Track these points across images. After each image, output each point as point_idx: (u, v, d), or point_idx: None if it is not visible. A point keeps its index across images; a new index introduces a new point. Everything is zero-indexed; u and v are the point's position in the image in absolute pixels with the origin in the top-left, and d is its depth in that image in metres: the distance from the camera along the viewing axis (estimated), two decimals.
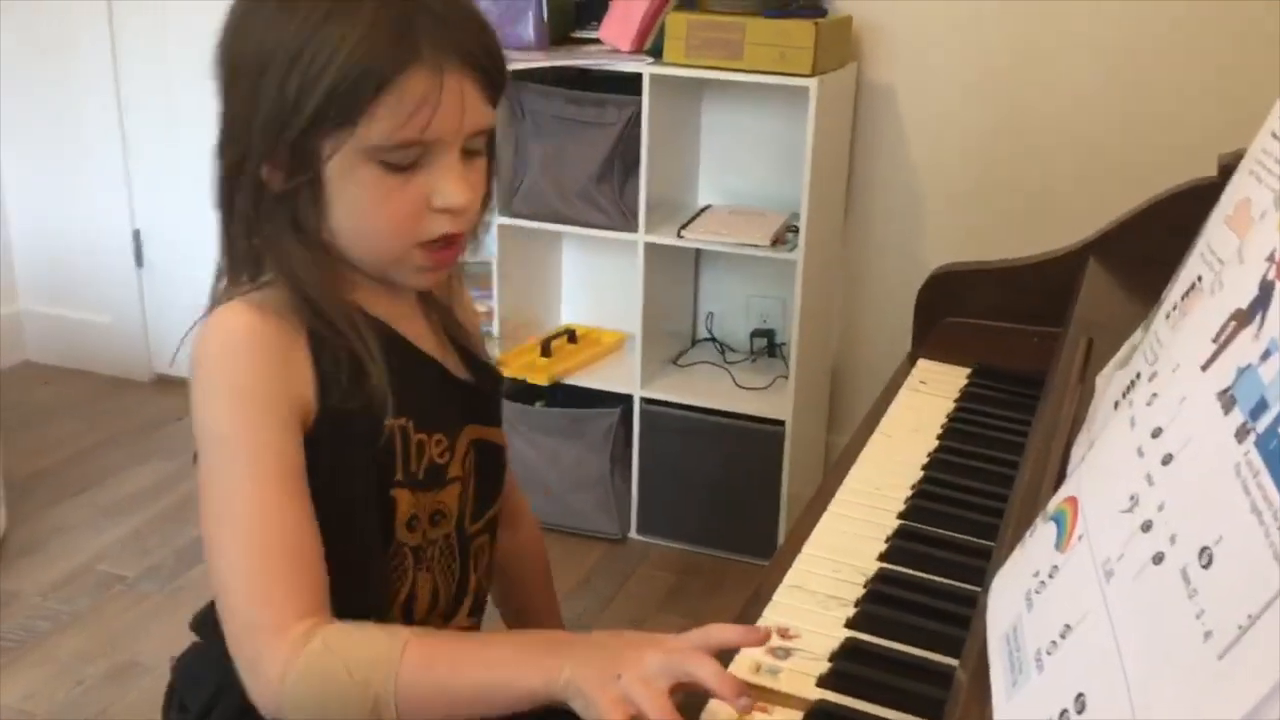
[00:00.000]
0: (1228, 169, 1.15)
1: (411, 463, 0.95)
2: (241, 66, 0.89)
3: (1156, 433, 0.66)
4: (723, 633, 0.82)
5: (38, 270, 3.32)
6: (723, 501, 2.52)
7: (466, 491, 1.02)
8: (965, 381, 1.41)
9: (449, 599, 1.02)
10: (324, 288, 0.92)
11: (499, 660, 0.83)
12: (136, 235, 3.20)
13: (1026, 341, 1.46)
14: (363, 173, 0.88)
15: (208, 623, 0.97)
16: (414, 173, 0.89)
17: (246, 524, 0.86)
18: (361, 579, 0.92)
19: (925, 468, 1.18)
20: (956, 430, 1.27)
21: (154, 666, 2.06)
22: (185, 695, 1.04)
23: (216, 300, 0.95)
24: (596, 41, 2.46)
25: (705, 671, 0.77)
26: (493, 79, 0.92)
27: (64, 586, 2.31)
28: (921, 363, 1.46)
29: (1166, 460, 0.63)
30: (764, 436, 2.44)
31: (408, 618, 0.99)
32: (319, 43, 0.85)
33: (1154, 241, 1.22)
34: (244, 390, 0.88)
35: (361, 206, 0.90)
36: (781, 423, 2.42)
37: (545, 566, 1.25)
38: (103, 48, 3.02)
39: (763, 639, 0.84)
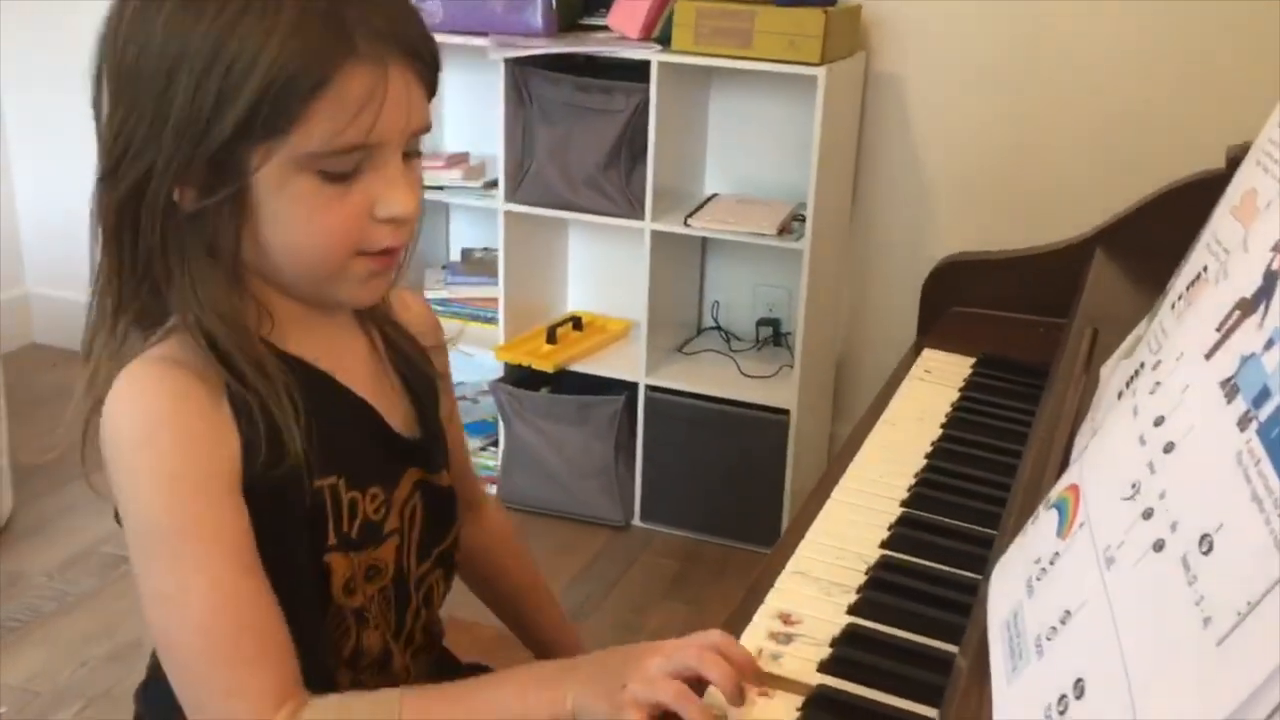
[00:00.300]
0: (1235, 160, 1.15)
1: (344, 524, 0.88)
2: (139, 73, 0.78)
3: (1159, 421, 0.66)
4: (726, 644, 0.80)
5: (44, 253, 3.32)
6: (727, 489, 2.52)
7: (408, 540, 0.95)
8: (970, 371, 1.41)
9: (398, 650, 0.97)
10: (239, 329, 0.83)
11: (499, 705, 0.81)
12: None
13: (1032, 332, 1.46)
14: (297, 184, 0.79)
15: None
16: (354, 180, 0.81)
17: (205, 620, 0.80)
18: (300, 644, 0.84)
19: (929, 456, 1.18)
20: (960, 420, 1.27)
21: None
22: None
23: (91, 353, 0.85)
24: (604, 28, 2.45)
25: (715, 672, 0.77)
26: (433, 71, 0.84)
27: (69, 568, 2.32)
28: (926, 352, 1.46)
29: (1168, 448, 0.63)
30: (768, 425, 2.44)
31: (354, 673, 0.93)
32: (238, 41, 0.75)
33: (1161, 233, 1.21)
34: (173, 475, 0.80)
35: (295, 221, 0.81)
36: (786, 411, 2.43)
37: (521, 546, 1.19)
38: None
39: (749, 671, 0.81)
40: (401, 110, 0.81)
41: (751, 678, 0.80)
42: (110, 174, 0.80)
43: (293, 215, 0.81)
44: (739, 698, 0.78)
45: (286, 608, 0.84)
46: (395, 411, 0.95)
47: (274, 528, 0.84)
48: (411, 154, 0.85)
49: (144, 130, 0.78)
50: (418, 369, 0.99)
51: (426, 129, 0.85)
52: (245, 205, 0.80)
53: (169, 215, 0.80)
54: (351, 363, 0.93)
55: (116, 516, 0.85)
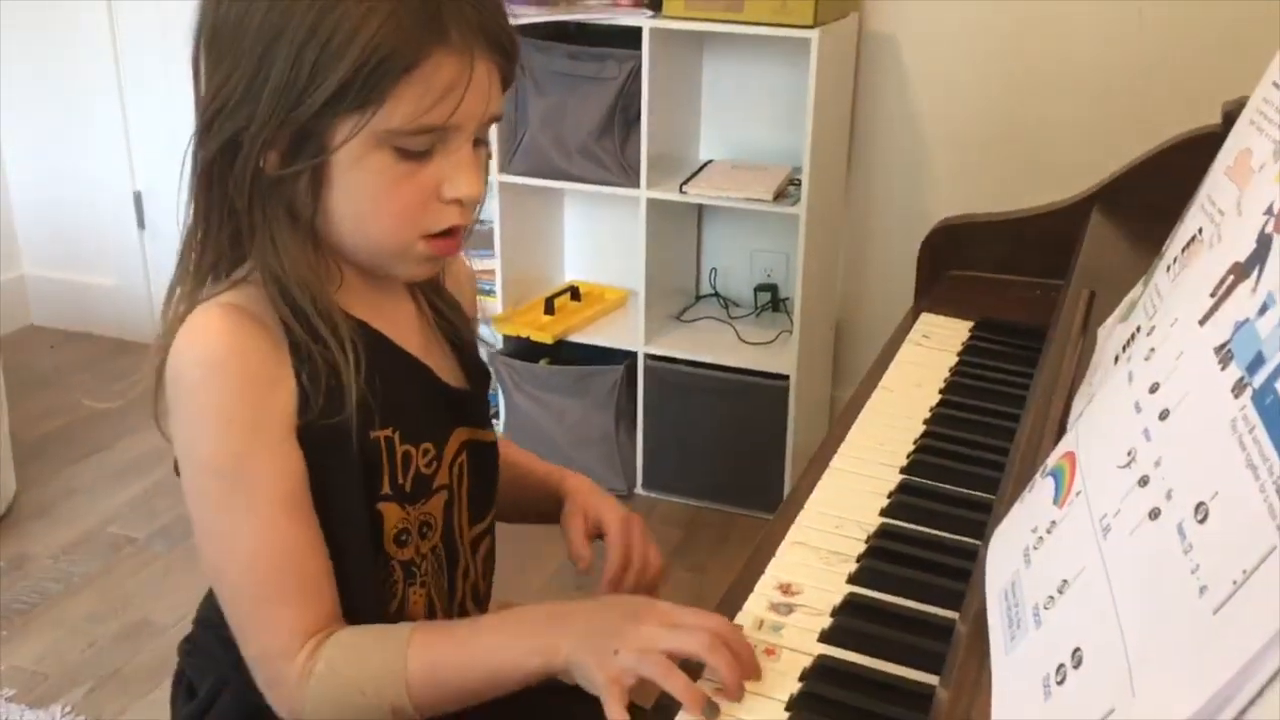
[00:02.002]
0: (1231, 116, 1.14)
1: (398, 475, 0.92)
2: (239, 39, 0.82)
3: (1154, 388, 0.66)
4: (731, 634, 0.81)
5: (40, 234, 3.32)
6: (728, 456, 2.53)
7: (457, 498, 0.99)
8: (968, 335, 1.40)
9: (444, 611, 0.99)
10: (314, 284, 0.87)
11: (499, 648, 0.85)
12: (138, 197, 3.20)
13: (1029, 294, 1.45)
14: (373, 158, 0.83)
15: (207, 614, 0.98)
16: (425, 161, 0.85)
17: (251, 559, 0.85)
18: (348, 594, 0.89)
19: (927, 422, 1.18)
20: (959, 384, 1.27)
21: (165, 627, 2.08)
22: (194, 680, 1.03)
23: (174, 293, 0.89)
24: None
25: (723, 665, 0.78)
26: (512, 65, 0.88)
27: (75, 549, 2.33)
28: (924, 316, 1.46)
29: (1164, 415, 0.62)
30: (768, 391, 2.44)
31: None
32: (339, 16, 0.79)
33: (1158, 191, 1.20)
34: (231, 415, 0.84)
35: (367, 194, 0.85)
36: (786, 377, 2.43)
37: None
38: (100, 8, 3.00)
39: (750, 666, 0.81)
40: (481, 99, 0.85)
41: (752, 672, 0.81)
42: (204, 130, 0.85)
43: (364, 188, 0.85)
44: (739, 694, 0.78)
45: (337, 553, 0.89)
46: (444, 368, 0.99)
47: (329, 473, 0.88)
48: (481, 141, 0.89)
49: (240, 93, 0.82)
50: (460, 332, 1.03)
51: (499, 118, 0.89)
52: (323, 176, 0.85)
53: (255, 176, 0.85)
54: (404, 324, 0.97)
55: (176, 469, 0.89)
